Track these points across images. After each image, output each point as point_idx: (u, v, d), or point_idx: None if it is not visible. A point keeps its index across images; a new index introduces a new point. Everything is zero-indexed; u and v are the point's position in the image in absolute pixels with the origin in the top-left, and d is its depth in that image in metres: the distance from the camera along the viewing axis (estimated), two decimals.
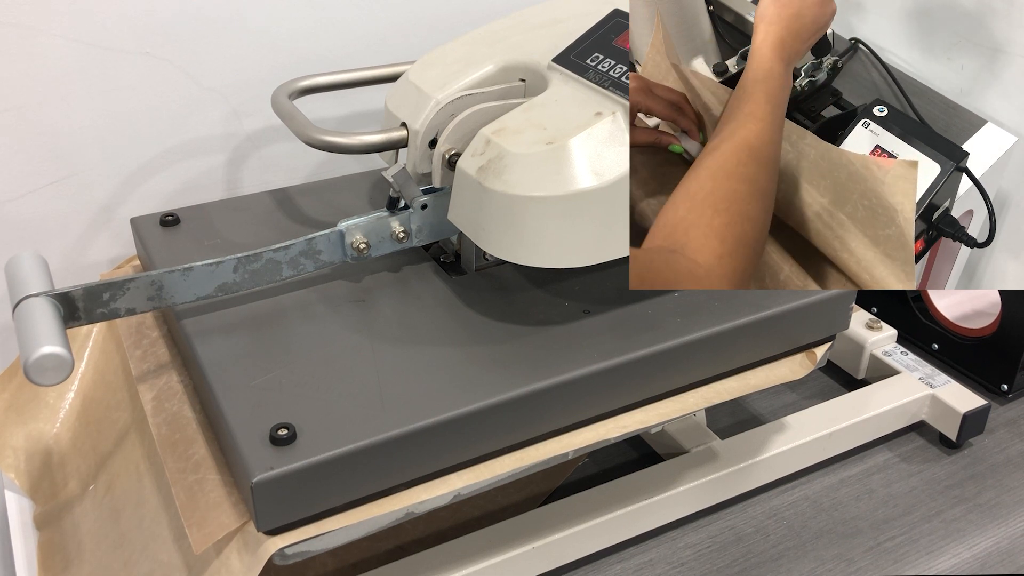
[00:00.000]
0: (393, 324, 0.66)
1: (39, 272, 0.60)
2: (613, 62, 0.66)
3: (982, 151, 0.70)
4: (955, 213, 0.65)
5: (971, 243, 0.64)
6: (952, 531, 0.76)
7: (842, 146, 0.65)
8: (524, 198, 0.60)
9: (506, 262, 0.71)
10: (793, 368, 0.71)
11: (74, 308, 0.59)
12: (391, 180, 0.66)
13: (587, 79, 0.66)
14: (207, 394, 0.61)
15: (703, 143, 0.60)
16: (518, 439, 0.62)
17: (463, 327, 0.66)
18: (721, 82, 0.63)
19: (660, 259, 0.49)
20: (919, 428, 0.87)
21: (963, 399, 0.84)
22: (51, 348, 0.53)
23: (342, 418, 0.57)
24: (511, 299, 0.69)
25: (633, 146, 0.61)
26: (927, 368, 0.88)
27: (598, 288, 0.70)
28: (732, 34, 0.71)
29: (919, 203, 0.60)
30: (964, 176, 0.63)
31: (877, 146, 0.64)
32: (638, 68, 0.63)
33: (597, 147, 0.61)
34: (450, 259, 0.73)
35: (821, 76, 0.71)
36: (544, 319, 0.67)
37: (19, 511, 0.73)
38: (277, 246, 0.65)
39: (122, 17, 0.79)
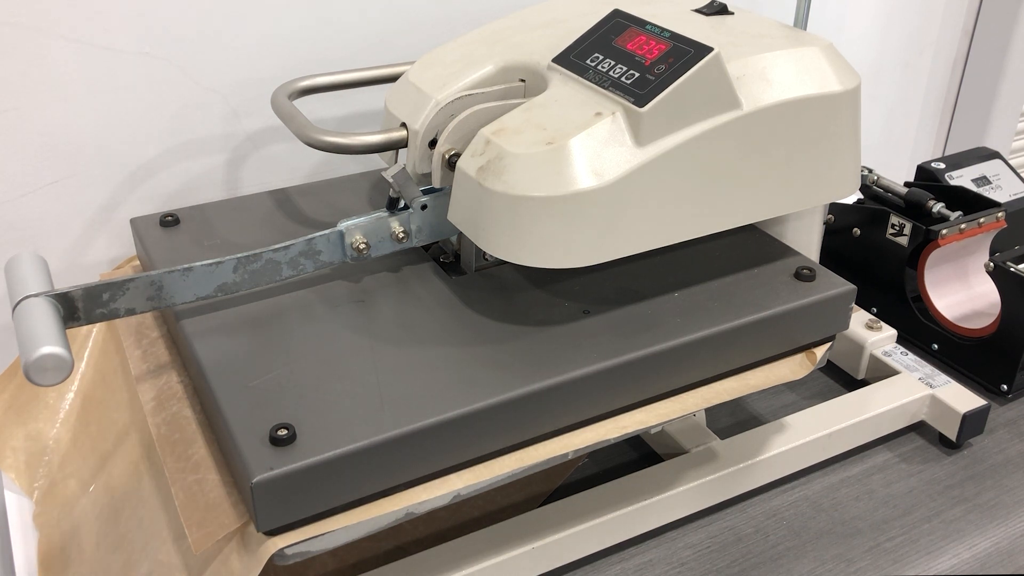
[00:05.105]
0: (393, 324, 0.66)
1: (39, 272, 0.60)
2: (613, 62, 0.66)
3: None
4: None
5: None
6: (952, 531, 0.76)
7: None
8: (524, 198, 0.60)
9: (506, 262, 0.71)
10: (793, 368, 0.71)
11: (74, 308, 0.59)
12: (391, 180, 0.66)
13: (587, 79, 0.66)
14: (207, 394, 0.61)
15: None
16: (518, 439, 0.62)
17: (463, 327, 0.66)
18: None
19: None
20: (919, 428, 0.87)
21: (963, 399, 0.84)
22: (51, 348, 0.53)
23: (342, 418, 0.57)
24: (511, 299, 0.69)
25: None
26: (927, 368, 0.88)
27: (598, 288, 0.70)
28: None
29: None
30: None
31: None
32: None
33: (597, 147, 0.61)
34: (450, 259, 0.73)
35: None
36: (544, 319, 0.67)
37: (19, 511, 0.73)
38: (277, 246, 0.65)
39: (122, 17, 0.79)
